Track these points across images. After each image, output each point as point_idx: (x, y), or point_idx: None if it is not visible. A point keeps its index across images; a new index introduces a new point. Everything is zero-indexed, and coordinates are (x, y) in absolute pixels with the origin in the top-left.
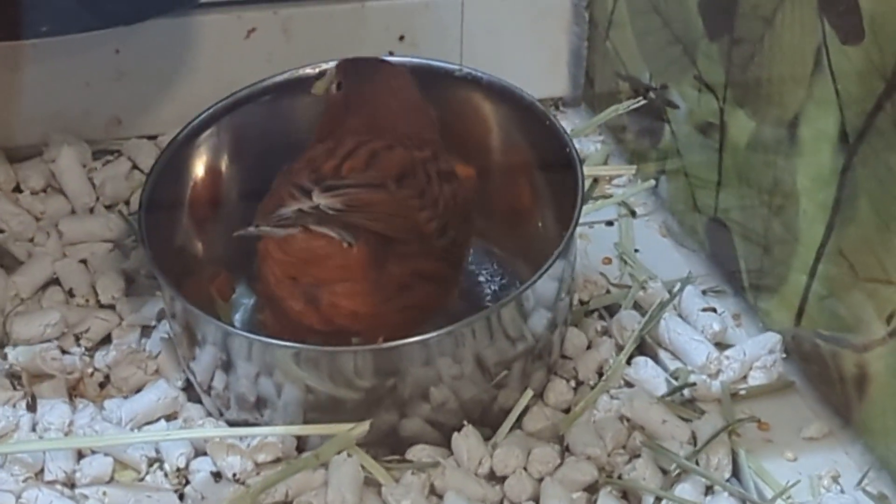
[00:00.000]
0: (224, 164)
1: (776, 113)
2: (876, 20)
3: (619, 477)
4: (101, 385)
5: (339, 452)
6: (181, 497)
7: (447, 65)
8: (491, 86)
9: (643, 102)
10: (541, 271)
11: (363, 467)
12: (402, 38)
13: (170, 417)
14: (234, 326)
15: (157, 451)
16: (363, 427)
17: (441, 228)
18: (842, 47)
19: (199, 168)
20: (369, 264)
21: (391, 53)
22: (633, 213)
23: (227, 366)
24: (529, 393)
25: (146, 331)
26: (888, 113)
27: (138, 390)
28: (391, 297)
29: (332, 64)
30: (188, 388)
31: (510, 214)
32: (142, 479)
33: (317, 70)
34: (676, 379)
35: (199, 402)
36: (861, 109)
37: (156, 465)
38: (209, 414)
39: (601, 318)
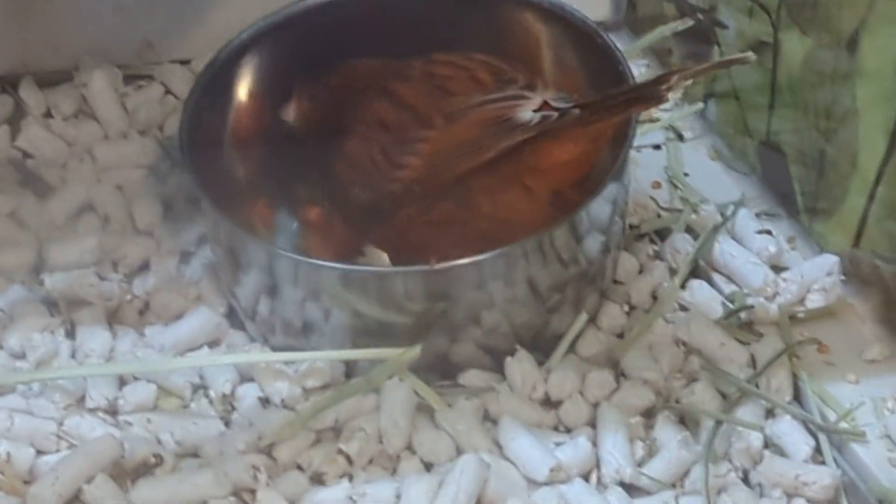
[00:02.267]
0: (265, 87)
1: (834, 30)
2: None
3: (677, 401)
4: (141, 312)
5: (390, 377)
6: (227, 424)
7: None
8: (541, 5)
9: (690, 24)
10: (594, 194)
11: (415, 392)
12: None
13: (213, 344)
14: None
15: (202, 378)
16: (414, 351)
17: None
18: None
19: (240, 91)
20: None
21: None
22: (681, 137)
23: (273, 290)
24: (584, 317)
25: (185, 257)
26: None
27: (179, 317)
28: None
29: None
30: (231, 315)
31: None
32: (186, 407)
33: None
34: (732, 302)
35: (243, 328)
36: None
37: (200, 392)
38: (253, 340)
39: (652, 242)
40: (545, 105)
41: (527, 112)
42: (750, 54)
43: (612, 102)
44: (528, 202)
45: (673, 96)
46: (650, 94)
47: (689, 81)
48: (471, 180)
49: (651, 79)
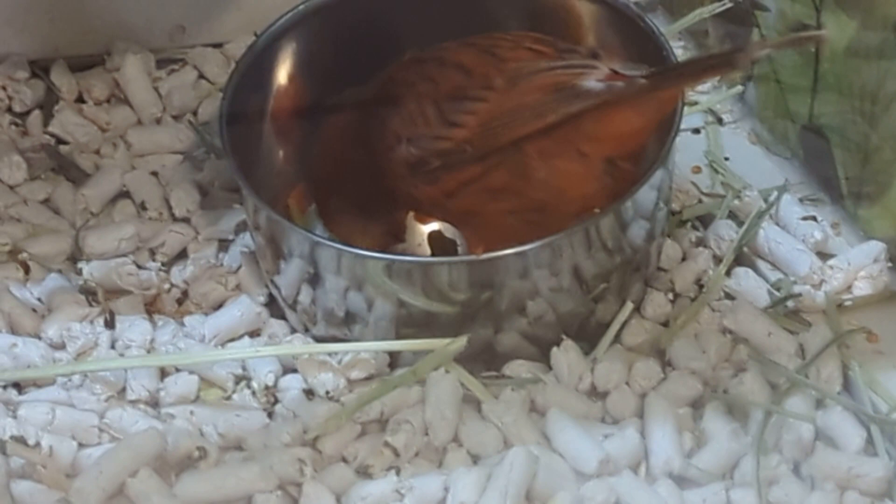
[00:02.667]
0: (304, 72)
1: (881, 13)
2: None
3: (725, 391)
4: (179, 301)
5: (435, 369)
6: (270, 416)
7: None
8: None
9: (729, 5)
10: (641, 181)
11: (461, 384)
12: None
13: (253, 334)
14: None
15: (244, 369)
16: (461, 342)
17: None
18: None
19: (279, 76)
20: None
21: None
22: (720, 121)
23: (315, 279)
24: (630, 306)
25: (223, 245)
26: None
27: (219, 306)
28: None
29: None
30: (271, 304)
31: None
32: (228, 398)
33: None
34: (778, 290)
35: (283, 317)
36: None
37: (243, 384)
38: (294, 330)
39: (695, 228)
40: (613, 75)
41: (592, 81)
42: (825, 32)
43: (681, 69)
44: (583, 170)
45: (746, 66)
46: (724, 60)
47: (766, 51)
48: (526, 145)
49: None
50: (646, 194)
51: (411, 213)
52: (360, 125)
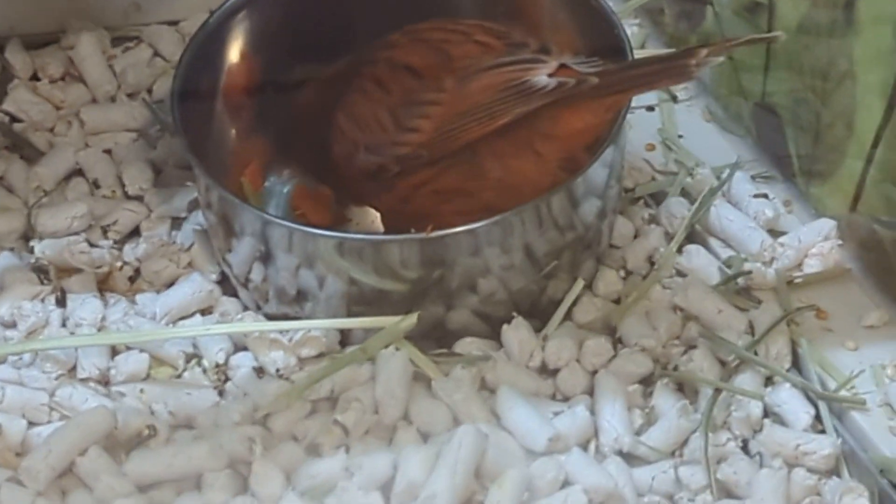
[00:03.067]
0: (257, 50)
1: None
2: None
3: (675, 368)
4: (131, 279)
5: (386, 346)
6: (220, 393)
7: None
8: None
9: None
10: (593, 158)
11: (411, 361)
12: None
13: (205, 312)
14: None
15: (195, 347)
16: (411, 319)
17: None
18: None
19: (232, 54)
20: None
21: None
22: (675, 98)
23: (267, 257)
24: (581, 283)
25: (176, 223)
26: None
27: (170, 284)
28: None
29: None
30: (223, 282)
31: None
32: (179, 376)
33: None
34: (730, 267)
35: (235, 295)
36: None
37: (193, 362)
38: (246, 308)
39: (647, 205)
40: (562, 69)
41: (542, 76)
42: (780, 34)
43: (635, 74)
44: (538, 168)
45: (698, 74)
46: (678, 69)
47: (721, 58)
48: (480, 146)
49: (678, 52)
50: (597, 172)
51: None
52: (315, 116)
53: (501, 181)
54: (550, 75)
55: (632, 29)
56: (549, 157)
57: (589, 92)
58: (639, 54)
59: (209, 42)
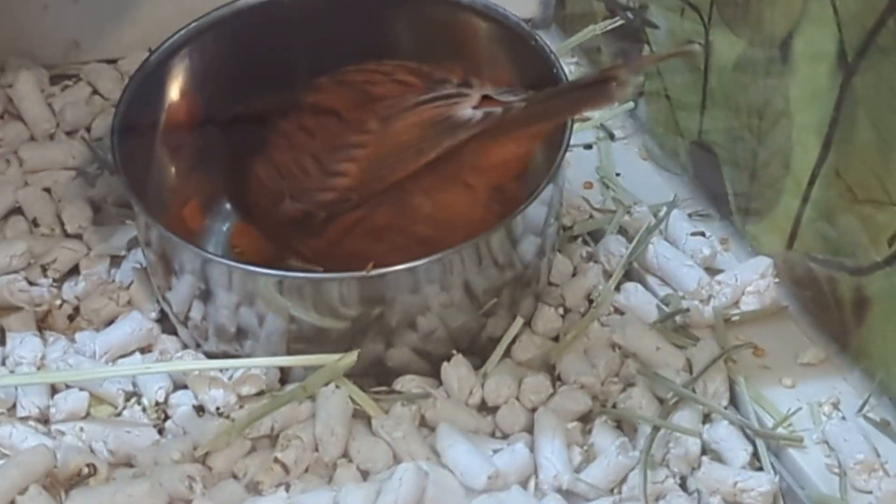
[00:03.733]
0: (197, 88)
1: (767, 32)
2: None
3: (614, 406)
4: (71, 317)
5: (326, 384)
6: (160, 432)
7: None
8: (474, 6)
9: (621, 23)
10: (532, 196)
11: (351, 399)
12: None
13: (144, 350)
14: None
15: (135, 385)
16: (351, 357)
17: None
18: None
19: (172, 92)
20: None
21: None
22: (612, 136)
23: (206, 295)
24: (520, 321)
25: (115, 261)
26: (891, 29)
27: (110, 322)
28: None
29: None
30: (162, 320)
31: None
32: (119, 414)
33: None
34: (667, 305)
35: (175, 333)
36: (861, 26)
37: (133, 400)
38: (185, 346)
39: (585, 243)
40: (486, 101)
41: (467, 109)
42: (695, 47)
43: (559, 101)
44: (469, 201)
45: (623, 95)
46: (601, 93)
47: (640, 77)
48: (409, 183)
49: (596, 74)
50: (536, 210)
51: None
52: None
53: (433, 216)
54: (475, 107)
55: (569, 68)
56: (478, 188)
57: (514, 122)
58: None
59: (149, 80)
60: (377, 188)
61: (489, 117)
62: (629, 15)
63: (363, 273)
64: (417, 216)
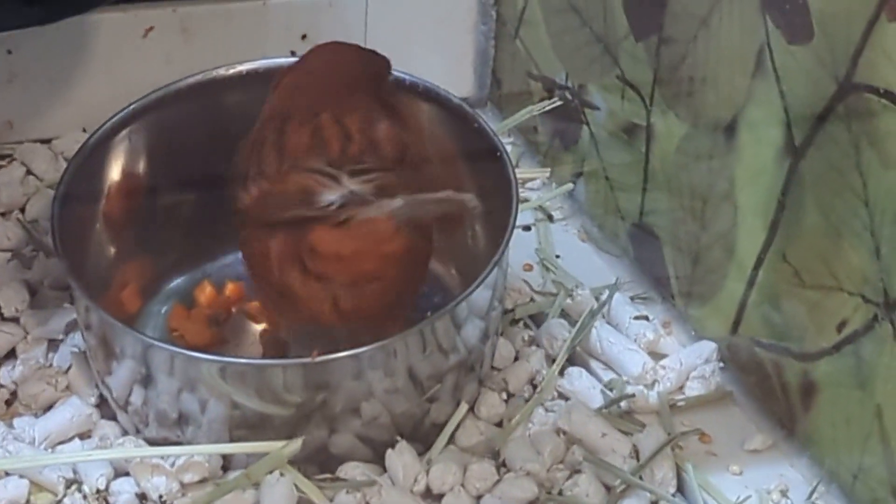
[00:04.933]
0: (137, 169)
1: (711, 115)
2: (826, 18)
3: (560, 493)
4: (8, 402)
5: (270, 472)
6: None
7: None
8: (415, 87)
9: (559, 104)
10: (477, 281)
11: (296, 487)
12: (304, 36)
13: (84, 436)
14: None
15: (75, 473)
16: (295, 445)
17: None
18: (788, 47)
19: (112, 173)
20: (405, 258)
21: (293, 53)
22: (551, 218)
23: (147, 380)
24: (465, 407)
25: (53, 344)
26: (840, 115)
27: (49, 407)
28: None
29: (244, 66)
30: (101, 405)
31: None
32: (59, 502)
33: (230, 71)
34: (612, 390)
35: (114, 419)
36: (810, 111)
37: (74, 487)
38: (125, 432)
39: (527, 327)
40: (349, 195)
41: (330, 195)
42: (471, 198)
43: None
44: (303, 285)
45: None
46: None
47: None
48: (271, 241)
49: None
50: (481, 294)
51: (243, 313)
52: None
53: (277, 283)
54: (333, 196)
55: (507, 147)
56: (313, 274)
57: (364, 223)
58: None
59: (89, 161)
60: (261, 218)
61: (341, 209)
62: (567, 95)
63: (308, 360)
64: (270, 277)
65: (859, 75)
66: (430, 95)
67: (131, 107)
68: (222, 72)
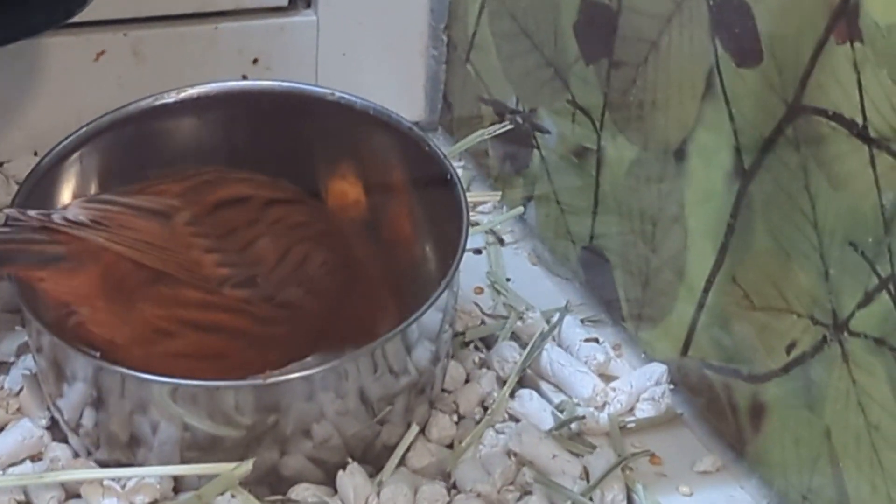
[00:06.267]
0: (89, 192)
1: (661, 138)
2: (775, 41)
3: None
4: None
5: (221, 493)
6: None
7: (319, 89)
8: (366, 110)
9: (510, 127)
10: (427, 303)
11: None
12: (255, 61)
13: (35, 458)
14: None
15: (26, 495)
16: (247, 466)
17: (242, 279)
18: (737, 70)
19: (64, 196)
20: (104, 291)
21: (245, 77)
22: (501, 241)
23: (98, 403)
24: (415, 429)
25: (4, 367)
26: (789, 137)
27: None
28: (147, 338)
29: (196, 89)
30: (52, 427)
31: (389, 244)
32: None
33: (180, 95)
34: (562, 412)
35: (65, 441)
36: (759, 134)
37: None
38: (76, 454)
39: (478, 349)
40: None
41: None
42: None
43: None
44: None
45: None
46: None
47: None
48: None
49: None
50: (431, 316)
51: None
52: None
53: None
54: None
55: (458, 171)
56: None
57: None
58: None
59: (41, 184)
60: None
61: None
62: (518, 119)
63: (259, 381)
64: None
65: (808, 98)
66: (381, 119)
67: (83, 129)
68: (172, 97)
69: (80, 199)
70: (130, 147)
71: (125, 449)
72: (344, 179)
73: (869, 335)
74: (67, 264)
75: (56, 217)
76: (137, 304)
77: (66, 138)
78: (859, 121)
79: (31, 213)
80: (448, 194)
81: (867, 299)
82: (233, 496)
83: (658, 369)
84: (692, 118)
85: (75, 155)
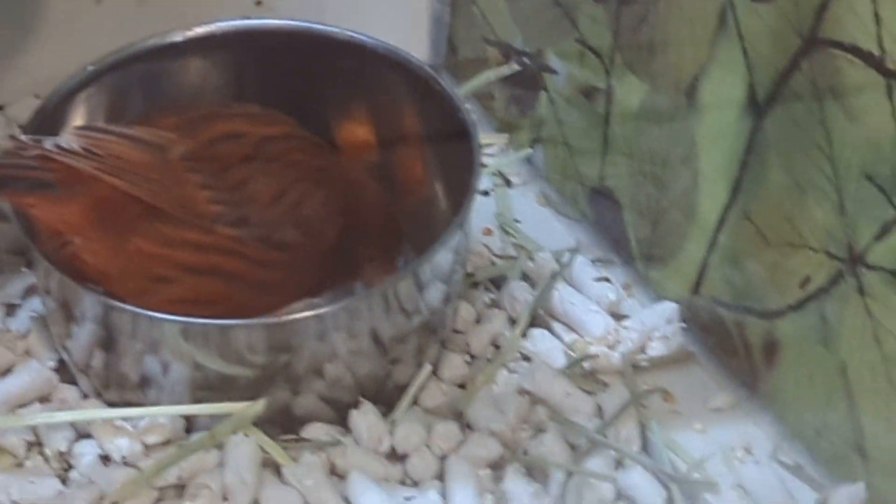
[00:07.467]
0: None
1: (673, 76)
2: None
3: (525, 452)
4: None
5: (234, 432)
6: (64, 482)
7: (328, 28)
8: (376, 49)
9: (517, 69)
10: (439, 241)
11: (260, 447)
12: (258, 2)
13: (44, 399)
14: None
15: (36, 435)
16: (259, 405)
17: (235, 218)
18: (751, 4)
19: None
20: (96, 221)
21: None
22: (509, 183)
23: (108, 343)
24: (428, 367)
25: (10, 309)
26: (804, 71)
27: (6, 372)
28: (145, 286)
29: (200, 28)
30: (60, 369)
31: (401, 184)
32: (20, 465)
33: (185, 35)
34: (574, 351)
35: (74, 382)
36: (773, 69)
37: (35, 450)
38: (85, 395)
39: (487, 290)
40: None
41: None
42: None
43: None
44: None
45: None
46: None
47: None
48: None
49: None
50: (443, 256)
51: None
52: None
53: None
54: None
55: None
56: None
57: None
58: None
59: (44, 126)
60: None
61: None
62: (525, 60)
63: (271, 319)
64: None
65: (824, 30)
66: (391, 58)
67: (88, 69)
68: (177, 37)
69: (76, 126)
70: (137, 86)
71: (135, 390)
72: (354, 120)
73: (886, 268)
74: (57, 192)
75: (48, 144)
76: (132, 238)
77: (71, 78)
78: (876, 53)
79: (24, 138)
80: (459, 134)
81: (883, 232)
82: (245, 435)
83: (669, 308)
84: (704, 55)
85: (81, 94)
